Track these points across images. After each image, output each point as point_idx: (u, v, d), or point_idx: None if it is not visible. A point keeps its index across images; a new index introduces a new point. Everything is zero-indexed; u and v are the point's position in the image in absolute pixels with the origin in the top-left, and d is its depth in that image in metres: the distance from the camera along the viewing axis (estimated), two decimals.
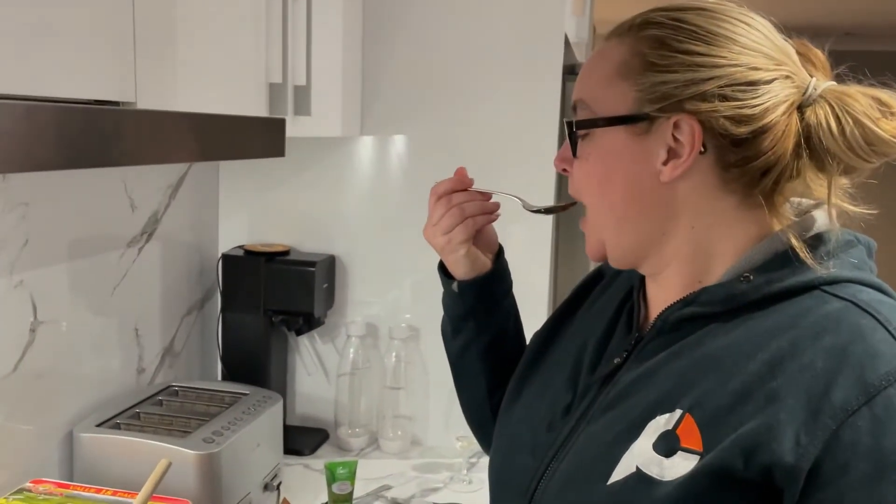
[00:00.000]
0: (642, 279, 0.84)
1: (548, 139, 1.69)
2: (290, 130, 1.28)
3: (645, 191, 0.74)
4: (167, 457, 1.17)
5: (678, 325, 0.75)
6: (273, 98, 1.28)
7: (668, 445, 0.68)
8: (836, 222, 0.73)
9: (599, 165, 0.76)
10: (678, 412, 0.69)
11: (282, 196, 1.84)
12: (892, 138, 0.68)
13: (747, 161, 0.71)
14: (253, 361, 1.74)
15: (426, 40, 1.71)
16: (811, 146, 0.71)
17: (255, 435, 1.42)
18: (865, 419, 0.62)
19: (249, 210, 1.86)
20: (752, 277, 0.71)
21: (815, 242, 0.73)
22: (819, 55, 0.76)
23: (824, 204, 0.74)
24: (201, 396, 1.53)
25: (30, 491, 1.18)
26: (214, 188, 1.85)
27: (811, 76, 0.73)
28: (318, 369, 1.87)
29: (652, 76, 0.72)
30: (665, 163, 0.72)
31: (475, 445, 1.67)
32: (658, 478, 0.68)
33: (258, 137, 1.18)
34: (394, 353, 1.79)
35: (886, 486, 0.62)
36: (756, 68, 0.70)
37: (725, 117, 0.69)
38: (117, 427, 1.36)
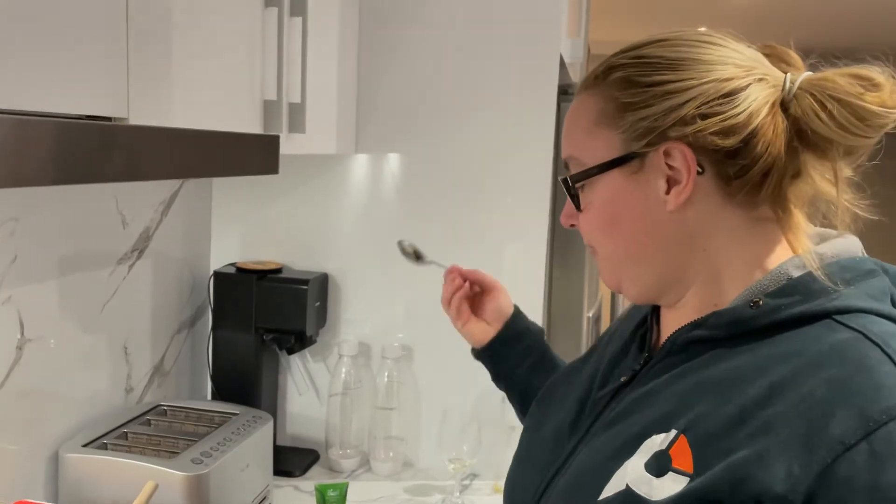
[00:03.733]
0: None
1: (542, 159, 1.69)
2: (285, 148, 1.27)
3: (655, 224, 0.75)
4: (155, 478, 1.16)
5: (685, 348, 0.75)
6: (267, 115, 1.28)
7: (659, 465, 0.68)
8: (848, 236, 0.74)
9: (604, 212, 0.78)
10: (673, 432, 0.69)
11: (275, 213, 1.83)
12: (881, 108, 0.68)
13: (746, 169, 0.72)
14: (243, 381, 1.72)
15: (422, 59, 1.71)
16: (805, 138, 0.71)
17: (245, 456, 1.40)
18: (863, 454, 0.60)
19: (242, 227, 1.84)
20: (760, 303, 0.71)
21: (834, 270, 0.71)
22: (789, 52, 0.77)
23: (845, 233, 0.74)
24: (190, 416, 1.51)
25: None
26: (207, 205, 1.84)
27: (785, 73, 0.74)
28: (309, 389, 1.85)
29: (630, 115, 0.74)
30: (667, 192, 0.74)
31: (467, 468, 1.66)
32: (646, 496, 0.67)
33: (252, 154, 1.18)
34: (386, 373, 1.78)
35: None
36: (728, 79, 0.71)
37: (712, 133, 0.71)
38: (104, 447, 1.34)
